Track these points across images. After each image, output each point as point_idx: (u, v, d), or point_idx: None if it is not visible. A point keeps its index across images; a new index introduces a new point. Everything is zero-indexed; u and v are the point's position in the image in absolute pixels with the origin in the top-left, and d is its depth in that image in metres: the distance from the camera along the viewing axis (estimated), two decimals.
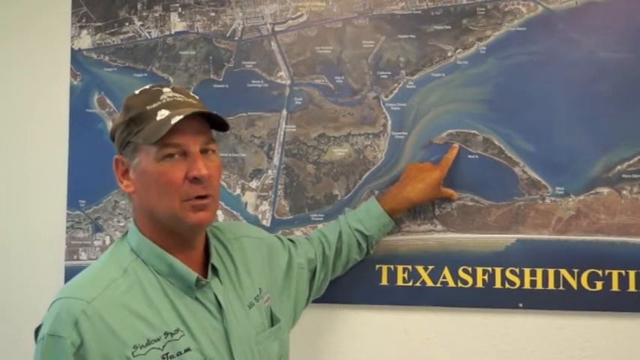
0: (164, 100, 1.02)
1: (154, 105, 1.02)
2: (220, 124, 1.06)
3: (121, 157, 1.06)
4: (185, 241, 1.07)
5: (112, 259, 1.06)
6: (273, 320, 1.18)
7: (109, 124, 1.51)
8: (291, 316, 1.27)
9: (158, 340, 0.99)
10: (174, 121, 0.98)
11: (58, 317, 0.96)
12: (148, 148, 1.01)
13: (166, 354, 0.99)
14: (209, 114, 1.03)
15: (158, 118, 1.00)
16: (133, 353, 0.96)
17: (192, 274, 1.04)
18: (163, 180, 1.00)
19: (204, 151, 1.04)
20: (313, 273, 1.33)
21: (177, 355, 1.00)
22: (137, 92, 1.06)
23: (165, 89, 1.05)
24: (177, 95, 1.05)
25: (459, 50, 1.43)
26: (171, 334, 1.00)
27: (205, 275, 1.08)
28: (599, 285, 1.38)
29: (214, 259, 1.10)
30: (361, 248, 1.37)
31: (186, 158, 1.01)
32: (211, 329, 1.05)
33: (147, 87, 1.07)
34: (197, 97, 1.09)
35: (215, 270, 1.10)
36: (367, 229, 1.35)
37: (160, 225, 1.04)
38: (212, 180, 1.03)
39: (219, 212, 1.48)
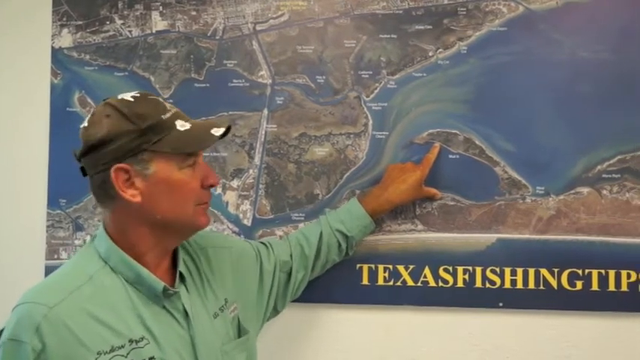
0: (172, 110, 1.05)
1: (167, 115, 1.03)
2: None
3: (124, 165, 1.00)
4: (168, 247, 1.08)
5: (78, 265, 1.06)
6: (240, 331, 1.17)
7: None
8: (260, 323, 1.27)
9: (122, 347, 0.98)
10: (217, 133, 1.04)
11: (20, 322, 0.96)
12: (169, 156, 1.02)
13: None
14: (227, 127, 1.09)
15: (179, 127, 1.03)
16: (96, 359, 0.96)
17: (160, 283, 1.04)
18: (187, 187, 1.05)
19: None
20: (289, 274, 1.32)
21: None
22: (133, 100, 1.03)
23: (160, 98, 1.07)
24: (171, 105, 1.08)
25: (440, 50, 1.43)
26: (136, 342, 1.00)
27: (173, 282, 1.08)
28: (579, 284, 1.39)
29: (182, 267, 1.11)
30: (341, 249, 1.36)
31: (195, 166, 1.06)
32: (178, 338, 1.05)
33: (138, 95, 1.05)
34: None
35: (182, 278, 1.10)
36: (348, 229, 1.35)
37: (156, 230, 1.05)
38: None
39: None
